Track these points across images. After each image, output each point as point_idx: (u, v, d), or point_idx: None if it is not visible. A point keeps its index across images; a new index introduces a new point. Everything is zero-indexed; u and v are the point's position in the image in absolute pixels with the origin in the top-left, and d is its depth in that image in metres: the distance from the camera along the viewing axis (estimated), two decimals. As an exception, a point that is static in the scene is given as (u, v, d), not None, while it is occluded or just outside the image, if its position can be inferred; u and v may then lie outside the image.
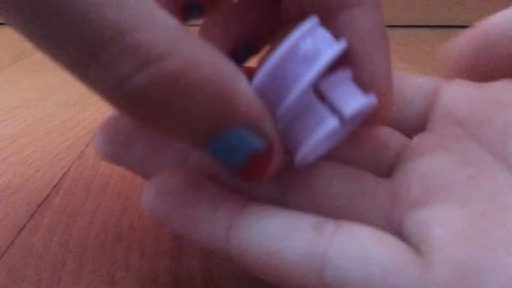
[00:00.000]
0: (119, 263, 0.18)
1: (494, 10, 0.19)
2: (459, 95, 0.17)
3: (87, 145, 0.28)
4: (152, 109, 0.12)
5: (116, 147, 0.16)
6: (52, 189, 0.23)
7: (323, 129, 0.13)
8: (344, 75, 0.14)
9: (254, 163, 0.13)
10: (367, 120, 0.16)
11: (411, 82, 0.18)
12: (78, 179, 0.24)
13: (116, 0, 0.11)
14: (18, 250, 0.18)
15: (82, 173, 0.24)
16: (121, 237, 0.19)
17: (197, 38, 0.13)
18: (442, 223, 0.13)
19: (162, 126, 0.13)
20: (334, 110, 0.14)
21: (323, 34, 0.14)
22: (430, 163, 0.16)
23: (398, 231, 0.15)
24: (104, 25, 0.11)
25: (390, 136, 0.17)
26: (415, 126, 0.18)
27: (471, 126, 0.16)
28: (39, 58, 0.49)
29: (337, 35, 0.15)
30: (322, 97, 0.14)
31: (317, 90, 0.14)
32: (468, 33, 0.19)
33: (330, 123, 0.13)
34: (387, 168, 0.17)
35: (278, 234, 0.14)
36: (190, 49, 0.12)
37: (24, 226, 0.20)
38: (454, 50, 0.19)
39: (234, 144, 0.13)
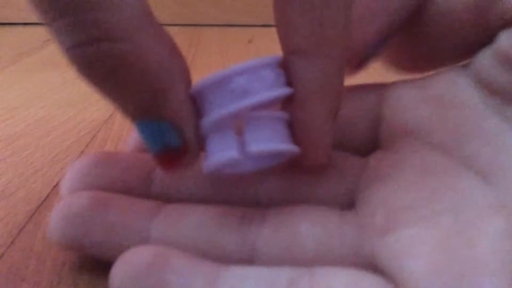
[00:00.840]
0: (119, 263, 0.17)
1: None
2: (403, 101, 0.17)
3: (87, 145, 0.28)
4: (95, 78, 0.13)
5: (74, 231, 0.16)
6: (52, 189, 0.23)
7: (222, 157, 0.15)
8: (276, 115, 0.15)
9: (168, 154, 0.15)
10: (299, 165, 0.16)
11: (353, 99, 0.18)
12: (78, 179, 0.24)
13: None
14: (18, 250, 0.18)
15: (82, 173, 0.24)
16: (121, 237, 0.19)
17: (159, 29, 0.14)
18: (411, 253, 0.13)
19: (103, 93, 0.14)
20: (243, 144, 0.15)
21: (268, 76, 0.14)
22: (390, 185, 0.15)
23: (371, 263, 0.14)
24: None
25: (344, 162, 0.17)
26: (365, 142, 0.18)
27: (422, 133, 0.16)
28: (39, 58, 0.49)
29: (289, 79, 0.15)
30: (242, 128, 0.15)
31: (241, 119, 0.15)
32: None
33: (229, 154, 0.15)
34: (349, 196, 0.17)
35: None
36: (145, 40, 0.13)
37: (24, 226, 0.20)
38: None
39: (156, 132, 0.14)
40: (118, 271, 0.14)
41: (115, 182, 0.17)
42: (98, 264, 0.17)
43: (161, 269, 0.14)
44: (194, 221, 0.16)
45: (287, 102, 0.15)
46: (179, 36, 0.28)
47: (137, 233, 0.16)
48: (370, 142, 0.18)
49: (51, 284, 0.16)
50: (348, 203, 0.16)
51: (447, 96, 0.16)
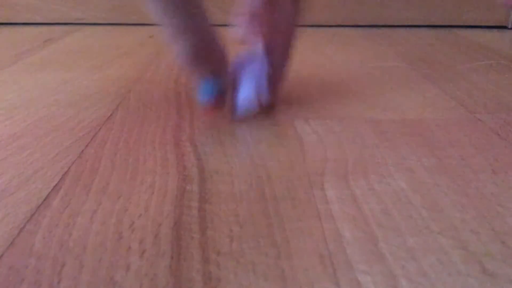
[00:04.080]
0: (119, 263, 0.18)
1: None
2: None
3: (87, 145, 0.28)
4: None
5: None
6: (52, 189, 0.23)
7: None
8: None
9: (215, 101, 0.28)
10: None
11: None
12: (78, 179, 0.24)
13: None
14: (18, 250, 0.18)
15: (82, 173, 0.24)
16: (121, 237, 0.19)
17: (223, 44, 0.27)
18: None
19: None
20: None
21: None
22: None
23: None
24: None
25: None
26: None
27: None
28: (39, 58, 0.49)
29: None
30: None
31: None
32: None
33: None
34: None
35: None
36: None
37: (24, 226, 0.20)
38: None
39: (213, 86, 0.28)
40: None
41: None
42: (98, 264, 0.17)
43: None
44: None
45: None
46: (179, 36, 0.29)
47: None
48: None
49: (51, 284, 0.16)
50: None
51: None
